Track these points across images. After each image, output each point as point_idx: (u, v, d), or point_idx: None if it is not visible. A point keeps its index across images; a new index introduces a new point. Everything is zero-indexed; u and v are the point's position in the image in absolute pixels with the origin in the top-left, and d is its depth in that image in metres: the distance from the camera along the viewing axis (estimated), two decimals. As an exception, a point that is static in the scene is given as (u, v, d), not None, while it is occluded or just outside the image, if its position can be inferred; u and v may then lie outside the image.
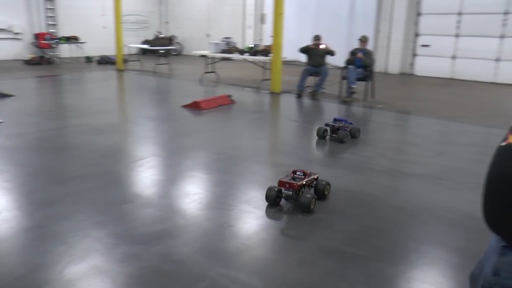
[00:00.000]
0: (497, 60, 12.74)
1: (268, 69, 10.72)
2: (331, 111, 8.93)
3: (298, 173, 4.07)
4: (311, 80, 10.09)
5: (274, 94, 10.08)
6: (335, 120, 6.39)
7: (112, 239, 3.23)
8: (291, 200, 3.93)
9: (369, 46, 10.20)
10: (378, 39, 14.75)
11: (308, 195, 3.83)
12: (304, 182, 3.97)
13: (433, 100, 9.80)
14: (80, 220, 3.53)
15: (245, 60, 11.90)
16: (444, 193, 4.43)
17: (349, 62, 9.55)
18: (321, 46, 9.93)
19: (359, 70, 9.37)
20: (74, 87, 11.29)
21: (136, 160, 5.20)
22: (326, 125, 6.36)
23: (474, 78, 12.96)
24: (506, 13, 12.38)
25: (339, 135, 6.16)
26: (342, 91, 9.52)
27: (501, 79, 12.57)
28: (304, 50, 10.12)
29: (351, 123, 6.38)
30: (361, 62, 9.37)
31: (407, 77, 14.13)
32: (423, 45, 14.21)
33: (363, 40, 9.71)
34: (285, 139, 6.78)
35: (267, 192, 3.91)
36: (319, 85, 10.06)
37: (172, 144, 5.95)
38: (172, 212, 3.75)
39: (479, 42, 12.94)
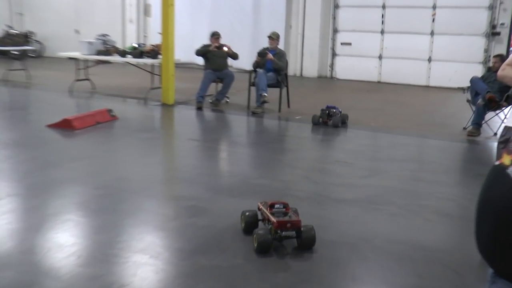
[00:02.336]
0: (430, 60, 13.60)
1: (158, 74, 10.59)
2: (240, 125, 8.97)
3: (277, 206, 4.01)
4: (212, 87, 10.09)
5: (167, 106, 9.95)
6: (328, 107, 8.29)
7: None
8: (290, 239, 3.87)
9: (281, 45, 10.40)
10: (290, 36, 15.18)
11: (308, 228, 3.81)
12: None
13: (361, 109, 10.20)
14: None
15: (127, 64, 11.68)
16: (385, 220, 4.54)
17: (257, 65, 9.61)
18: (224, 49, 9.96)
19: (270, 74, 9.47)
20: None
21: (-15, 203, 4.80)
22: (321, 110, 8.21)
23: (405, 81, 13.75)
24: (434, 7, 13.27)
25: (333, 121, 8.13)
26: (250, 100, 9.61)
27: (434, 82, 13.41)
28: (201, 52, 10.10)
29: (341, 111, 8.33)
30: (272, 64, 9.50)
31: (327, 81, 14.66)
32: (344, 43, 14.83)
33: (274, 37, 9.81)
34: (185, 164, 6.66)
35: (261, 240, 3.74)
36: (222, 93, 10.10)
37: (35, 179, 5.58)
38: (40, 273, 3.45)
39: (408, 39, 13.75)
